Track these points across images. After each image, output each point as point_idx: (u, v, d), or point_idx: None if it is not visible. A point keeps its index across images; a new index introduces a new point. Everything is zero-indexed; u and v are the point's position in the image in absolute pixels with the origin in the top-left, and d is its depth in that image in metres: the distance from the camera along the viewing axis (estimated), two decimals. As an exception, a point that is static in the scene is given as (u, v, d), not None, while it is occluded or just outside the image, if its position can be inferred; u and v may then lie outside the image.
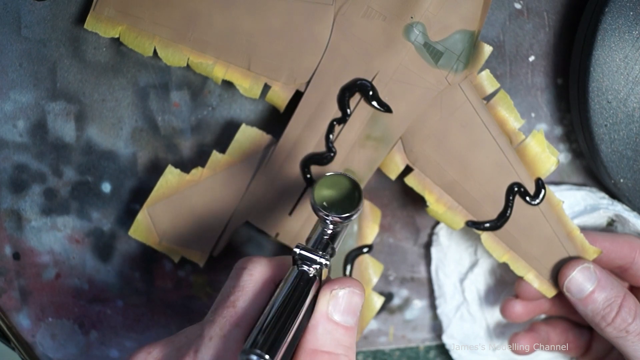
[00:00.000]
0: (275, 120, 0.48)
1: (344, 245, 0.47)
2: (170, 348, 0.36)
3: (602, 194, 0.49)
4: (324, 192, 0.37)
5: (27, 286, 0.50)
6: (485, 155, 0.44)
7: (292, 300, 0.34)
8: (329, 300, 0.36)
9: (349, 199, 0.37)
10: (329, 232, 0.37)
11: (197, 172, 0.46)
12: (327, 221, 0.36)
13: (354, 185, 0.37)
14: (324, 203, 0.37)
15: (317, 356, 0.35)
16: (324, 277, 0.36)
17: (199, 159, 0.49)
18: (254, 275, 0.36)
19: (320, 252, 0.35)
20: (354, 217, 0.36)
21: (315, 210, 0.36)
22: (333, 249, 0.37)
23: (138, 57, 0.47)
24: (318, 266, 0.35)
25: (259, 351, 0.31)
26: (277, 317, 0.33)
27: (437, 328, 0.53)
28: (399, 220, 0.51)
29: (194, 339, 0.35)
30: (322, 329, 0.35)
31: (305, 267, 0.35)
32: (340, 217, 0.36)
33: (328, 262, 0.35)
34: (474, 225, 0.45)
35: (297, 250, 0.35)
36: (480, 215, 0.45)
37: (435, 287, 0.51)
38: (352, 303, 0.36)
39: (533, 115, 0.49)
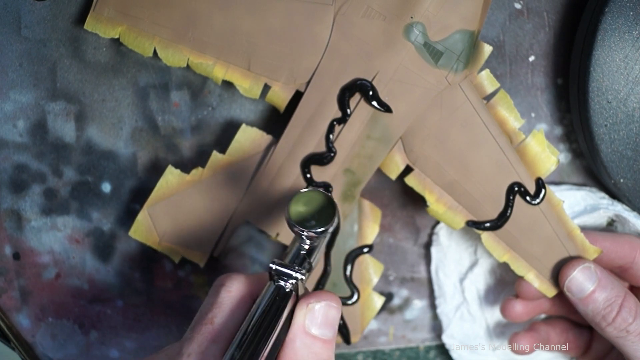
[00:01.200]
0: (275, 120, 0.48)
1: (344, 246, 0.47)
2: None
3: (602, 194, 0.49)
4: (299, 208, 0.37)
5: (27, 286, 0.50)
6: (485, 155, 0.44)
7: (269, 315, 0.34)
8: (305, 314, 0.36)
9: (324, 214, 0.37)
10: (306, 247, 0.38)
11: (197, 172, 0.46)
12: (303, 236, 0.37)
13: (329, 201, 0.37)
14: (300, 219, 0.37)
15: None
16: (301, 291, 0.37)
17: (199, 159, 0.49)
18: (232, 291, 0.37)
19: (297, 267, 0.36)
20: (329, 231, 0.37)
21: (291, 226, 0.37)
22: (310, 264, 0.38)
23: (138, 57, 0.47)
24: (294, 281, 0.36)
25: None
26: (253, 332, 0.34)
27: (437, 328, 0.53)
28: (399, 220, 0.51)
29: (173, 356, 0.35)
30: (299, 343, 0.36)
31: (282, 282, 0.36)
32: (315, 233, 0.36)
33: (304, 277, 0.36)
34: (474, 225, 0.45)
35: (273, 266, 0.36)
36: (480, 215, 0.45)
37: (435, 287, 0.51)
38: (329, 316, 0.36)
39: (533, 115, 0.49)
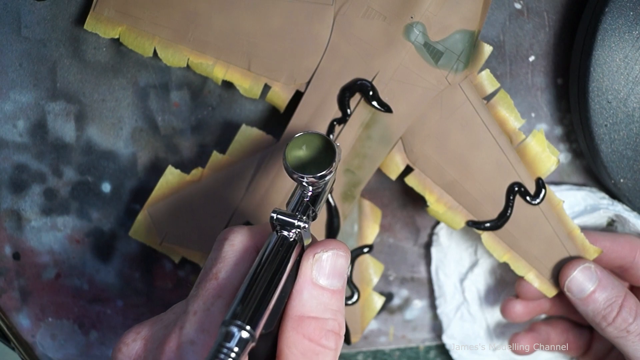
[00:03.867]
0: (275, 121, 0.48)
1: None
2: (158, 326, 0.35)
3: (602, 194, 0.49)
4: (296, 154, 0.36)
5: (27, 286, 0.50)
6: (485, 155, 0.44)
7: (273, 267, 0.33)
8: (312, 264, 0.34)
9: (324, 157, 0.35)
10: (308, 194, 0.36)
11: (197, 172, 0.46)
12: (304, 183, 0.35)
13: (327, 142, 0.36)
14: (298, 164, 0.35)
15: (304, 322, 0.34)
16: (306, 241, 0.35)
17: (199, 159, 0.49)
18: (235, 245, 0.35)
19: (299, 216, 0.34)
20: (330, 175, 0.35)
21: (290, 173, 0.35)
22: (314, 212, 0.36)
23: (138, 57, 0.47)
24: (298, 230, 0.34)
25: (239, 322, 0.30)
26: (257, 285, 0.32)
27: (437, 328, 0.53)
28: (399, 220, 0.51)
29: (179, 314, 0.34)
30: (307, 294, 0.34)
31: (285, 232, 0.34)
32: (315, 177, 0.35)
33: (307, 225, 0.34)
34: (475, 225, 0.45)
35: (275, 215, 0.34)
36: (480, 215, 0.45)
37: (436, 287, 0.51)
38: (337, 265, 0.35)
39: (533, 115, 0.49)
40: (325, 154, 0.36)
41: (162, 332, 0.34)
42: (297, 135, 0.36)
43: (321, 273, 0.34)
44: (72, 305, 0.51)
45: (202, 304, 0.34)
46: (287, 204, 0.36)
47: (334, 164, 0.35)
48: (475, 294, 0.51)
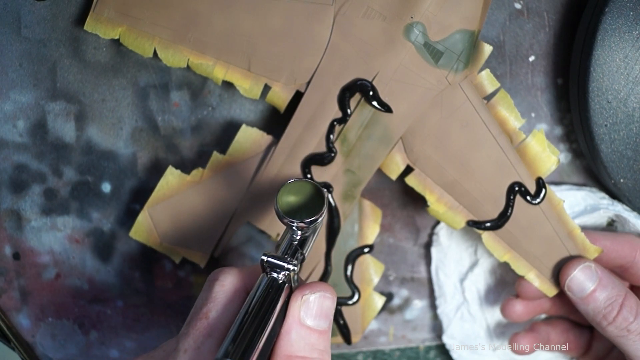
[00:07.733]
0: (275, 121, 0.48)
1: (344, 246, 0.47)
2: None
3: (602, 194, 0.49)
4: (287, 199, 0.37)
5: (27, 286, 0.50)
6: (485, 155, 0.44)
7: (263, 308, 0.34)
8: (300, 305, 0.36)
9: (313, 204, 0.37)
10: (297, 237, 0.37)
11: (197, 172, 0.46)
12: (294, 227, 0.37)
13: (317, 190, 0.37)
14: (289, 210, 0.37)
15: None
16: (294, 283, 0.37)
17: (199, 159, 0.49)
18: (225, 285, 0.37)
19: (289, 259, 0.36)
20: (319, 221, 0.37)
21: (280, 217, 0.37)
22: (302, 255, 0.37)
23: (138, 57, 0.47)
24: (287, 272, 0.36)
25: None
26: (247, 325, 0.33)
27: (437, 328, 0.53)
28: (399, 220, 0.51)
29: (170, 352, 0.35)
30: (295, 335, 0.36)
31: (275, 274, 0.36)
32: (305, 223, 0.36)
33: (296, 269, 0.36)
34: (475, 225, 0.45)
35: (265, 258, 0.36)
36: (481, 214, 0.45)
37: (436, 287, 0.51)
38: (323, 307, 0.36)
39: (533, 115, 0.49)
40: (315, 200, 0.37)
41: None
42: (288, 182, 0.38)
43: (308, 314, 0.36)
44: (72, 305, 0.51)
45: (193, 343, 0.35)
46: (277, 247, 0.38)
47: (323, 210, 0.37)
48: (475, 294, 0.51)
